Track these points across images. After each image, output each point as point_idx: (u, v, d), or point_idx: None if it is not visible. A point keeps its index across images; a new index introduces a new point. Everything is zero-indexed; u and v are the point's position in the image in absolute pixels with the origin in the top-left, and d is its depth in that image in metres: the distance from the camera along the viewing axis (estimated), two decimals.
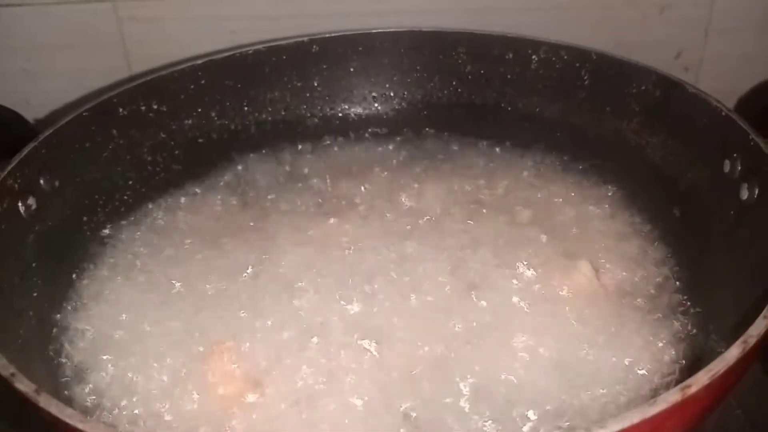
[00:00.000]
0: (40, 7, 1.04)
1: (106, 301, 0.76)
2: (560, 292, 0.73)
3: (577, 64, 0.92)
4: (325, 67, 0.99)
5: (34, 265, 0.73)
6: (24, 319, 0.69)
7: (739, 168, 0.73)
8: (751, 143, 0.71)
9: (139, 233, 0.84)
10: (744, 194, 0.72)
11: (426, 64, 1.00)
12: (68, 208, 0.80)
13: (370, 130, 1.01)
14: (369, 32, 0.98)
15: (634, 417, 0.46)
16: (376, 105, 1.01)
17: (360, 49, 0.98)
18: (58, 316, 0.74)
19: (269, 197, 0.90)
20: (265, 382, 0.66)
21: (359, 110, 1.01)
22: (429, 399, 0.65)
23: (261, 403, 0.65)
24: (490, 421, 0.63)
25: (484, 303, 0.73)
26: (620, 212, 0.85)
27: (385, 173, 0.93)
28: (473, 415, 0.64)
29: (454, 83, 1.00)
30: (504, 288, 0.74)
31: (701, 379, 0.49)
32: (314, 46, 0.97)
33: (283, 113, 0.99)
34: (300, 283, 0.75)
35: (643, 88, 0.87)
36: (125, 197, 0.87)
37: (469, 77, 0.99)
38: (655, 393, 0.64)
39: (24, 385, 0.52)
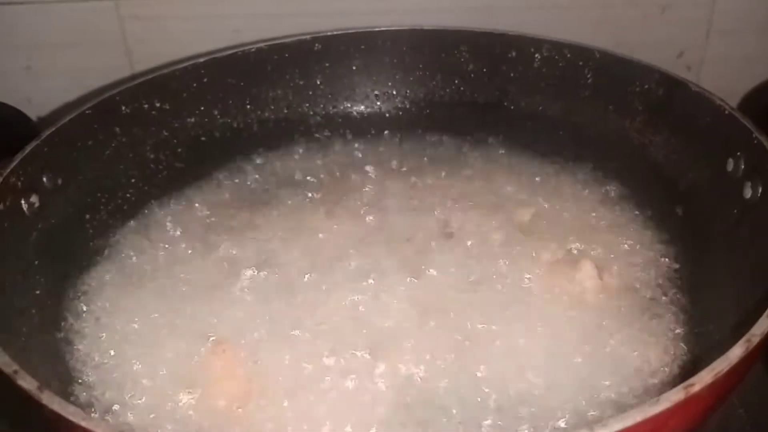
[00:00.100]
0: (41, 5, 1.04)
1: (109, 299, 0.76)
2: (563, 292, 0.73)
3: (580, 63, 0.92)
4: (327, 65, 0.99)
5: (36, 263, 0.73)
6: (26, 317, 0.69)
7: (743, 167, 0.73)
8: (755, 142, 0.71)
9: (141, 231, 0.84)
10: (747, 193, 0.71)
11: (428, 62, 0.99)
12: (71, 206, 0.80)
13: (372, 128, 1.00)
14: (371, 30, 0.98)
15: (637, 416, 0.46)
16: (378, 103, 1.01)
17: (362, 47, 0.98)
18: (61, 314, 0.74)
19: (272, 195, 0.90)
20: (266, 382, 0.66)
21: (361, 108, 1.01)
22: (433, 400, 0.65)
23: (262, 403, 0.65)
24: (489, 420, 0.63)
25: (486, 302, 0.73)
26: (623, 211, 0.85)
27: (387, 172, 0.93)
28: (472, 412, 0.64)
29: (456, 82, 0.99)
30: (506, 288, 0.74)
31: (704, 378, 0.48)
32: (317, 44, 0.97)
33: (285, 111, 0.99)
34: (302, 282, 0.75)
35: (646, 86, 0.87)
36: (128, 195, 0.87)
37: (472, 75, 0.99)
38: (657, 392, 0.64)
39: (27, 383, 0.52)
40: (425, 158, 0.95)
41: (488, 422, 0.63)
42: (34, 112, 1.10)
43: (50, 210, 0.77)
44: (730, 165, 0.74)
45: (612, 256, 0.78)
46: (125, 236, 0.84)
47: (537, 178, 0.90)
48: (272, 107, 0.98)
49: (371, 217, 0.84)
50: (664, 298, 0.74)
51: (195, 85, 0.92)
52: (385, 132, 1.00)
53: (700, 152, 0.80)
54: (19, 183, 0.73)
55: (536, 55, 0.94)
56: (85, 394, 0.66)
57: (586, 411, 0.63)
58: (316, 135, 0.99)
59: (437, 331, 0.70)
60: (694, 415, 0.51)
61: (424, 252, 0.79)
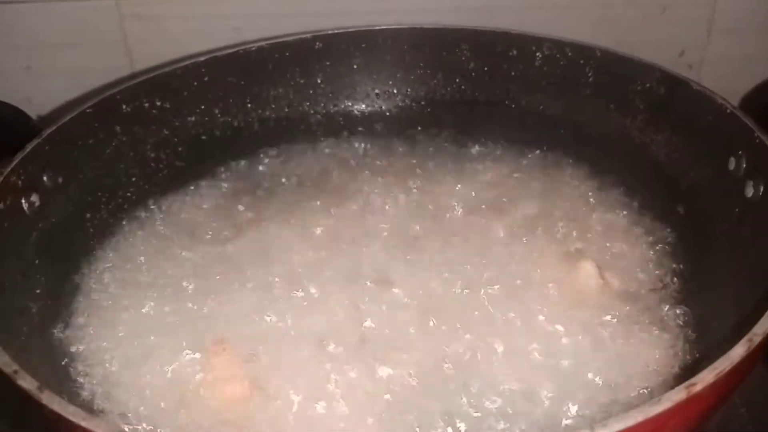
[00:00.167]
0: (42, 4, 1.04)
1: (109, 298, 0.76)
2: (564, 292, 0.73)
3: (582, 61, 0.92)
4: (328, 63, 0.99)
5: (37, 262, 0.73)
6: (26, 316, 0.69)
7: (744, 165, 0.73)
8: (757, 140, 0.71)
9: (142, 230, 0.84)
10: (749, 192, 0.71)
11: (429, 60, 0.99)
12: (71, 205, 0.80)
13: (373, 126, 1.00)
14: (372, 29, 0.98)
15: (638, 416, 0.46)
16: (379, 102, 1.01)
17: (363, 45, 0.98)
18: (61, 313, 0.74)
19: (272, 194, 0.90)
20: (266, 381, 0.66)
21: (362, 107, 1.01)
22: (432, 400, 0.65)
23: (261, 403, 0.65)
24: (489, 421, 0.63)
25: (486, 302, 0.73)
26: (624, 210, 0.84)
27: (389, 170, 0.93)
28: (473, 413, 0.64)
29: (457, 80, 0.99)
30: (507, 287, 0.74)
31: (706, 377, 0.48)
32: (317, 43, 0.97)
33: (286, 110, 0.99)
34: (303, 281, 0.75)
35: (648, 85, 0.86)
36: (128, 194, 0.87)
37: (473, 74, 0.98)
38: (658, 391, 0.64)
39: (27, 383, 0.51)
40: (426, 157, 0.95)
41: (487, 423, 0.63)
42: (34, 112, 1.10)
43: (51, 209, 0.76)
44: (732, 164, 0.74)
45: (613, 255, 0.78)
46: (126, 235, 0.84)
47: (538, 177, 0.90)
48: (273, 106, 0.98)
49: (372, 216, 0.84)
50: (665, 296, 0.74)
51: (196, 83, 0.92)
52: (386, 131, 1.00)
53: (701, 151, 0.80)
54: (20, 182, 0.73)
55: (537, 54, 0.94)
56: (85, 393, 0.66)
57: (586, 411, 0.63)
58: (317, 134, 0.99)
59: (437, 330, 0.70)
60: (696, 415, 0.51)
61: (424, 251, 0.79)
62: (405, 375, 0.67)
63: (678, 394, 0.47)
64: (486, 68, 0.98)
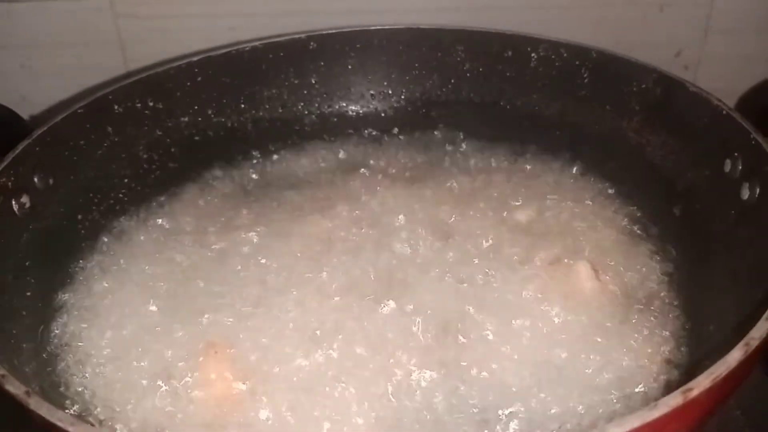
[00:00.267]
0: (37, 3, 1.04)
1: (101, 300, 0.75)
2: (560, 293, 0.73)
3: (577, 62, 0.92)
4: (322, 64, 0.98)
5: (27, 264, 0.73)
6: (17, 318, 0.69)
7: (740, 167, 0.72)
8: (753, 142, 0.71)
9: (134, 232, 0.84)
10: (745, 194, 0.71)
11: (424, 61, 0.99)
12: (63, 207, 0.80)
13: (368, 127, 1.00)
14: (367, 29, 0.98)
15: (635, 421, 0.46)
16: (374, 102, 1.00)
17: (358, 46, 0.98)
18: (52, 315, 0.73)
19: (267, 195, 0.89)
20: (260, 384, 0.66)
21: (357, 108, 1.00)
22: (429, 403, 0.65)
23: (255, 405, 0.64)
24: (486, 422, 0.63)
25: (482, 303, 0.72)
26: (620, 212, 0.84)
27: (383, 171, 0.92)
28: (461, 414, 0.64)
29: (452, 81, 0.99)
30: (502, 288, 0.74)
31: (703, 382, 0.48)
32: (312, 43, 0.96)
33: (280, 111, 0.98)
34: (296, 283, 0.75)
35: (644, 86, 0.86)
36: (120, 195, 0.87)
37: (468, 75, 0.98)
38: (655, 395, 0.64)
39: (14, 387, 0.51)
40: (421, 158, 0.95)
41: (484, 424, 0.63)
42: (28, 111, 1.09)
43: (42, 210, 0.76)
44: (728, 165, 0.74)
45: (609, 257, 0.78)
46: (118, 237, 0.83)
47: (533, 179, 0.90)
48: (267, 106, 0.98)
49: (366, 218, 0.84)
50: (661, 299, 0.74)
51: (189, 84, 0.92)
52: (381, 131, 0.99)
53: (697, 152, 0.80)
54: (10, 183, 0.72)
55: (533, 55, 0.94)
56: (75, 397, 0.66)
57: (582, 415, 0.63)
58: (311, 134, 0.98)
59: (434, 332, 0.70)
60: (693, 420, 0.51)
61: (420, 253, 0.78)
62: (403, 377, 0.66)
63: (675, 399, 0.47)
64: (481, 69, 0.97)
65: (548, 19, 1.05)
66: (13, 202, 0.73)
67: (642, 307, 0.73)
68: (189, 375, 0.67)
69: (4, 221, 0.71)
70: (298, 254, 0.79)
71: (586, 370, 0.66)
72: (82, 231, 0.82)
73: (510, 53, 0.95)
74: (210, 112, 0.94)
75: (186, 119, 0.93)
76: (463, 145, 0.96)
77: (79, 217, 0.82)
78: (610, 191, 0.87)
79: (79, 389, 0.67)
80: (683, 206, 0.80)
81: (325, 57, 0.98)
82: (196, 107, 0.93)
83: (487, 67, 0.97)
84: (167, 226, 0.85)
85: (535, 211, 0.84)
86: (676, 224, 0.80)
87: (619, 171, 0.88)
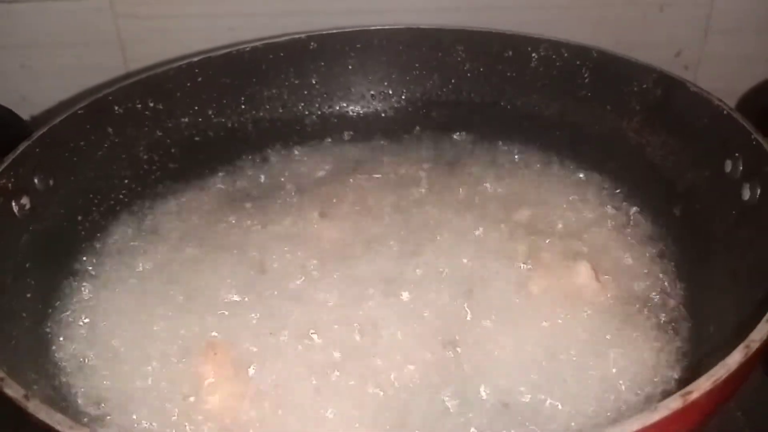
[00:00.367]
0: (37, 3, 1.04)
1: (101, 302, 0.75)
2: (559, 294, 0.73)
3: (578, 62, 0.91)
4: (322, 64, 0.98)
5: (27, 265, 0.73)
6: (17, 320, 0.68)
7: (741, 168, 0.72)
8: (753, 143, 0.71)
9: (134, 233, 0.84)
10: (746, 194, 0.71)
11: (425, 61, 0.99)
12: (63, 208, 0.79)
13: (368, 128, 1.00)
14: (367, 29, 0.98)
15: (635, 424, 0.46)
16: (374, 103, 1.00)
17: (358, 46, 0.98)
18: (52, 317, 0.73)
19: (267, 196, 0.89)
20: (260, 385, 0.66)
21: (357, 108, 1.00)
22: (429, 404, 0.65)
23: (255, 406, 0.65)
24: (485, 425, 0.63)
25: (481, 303, 0.72)
26: (620, 212, 0.84)
27: (383, 171, 0.92)
28: (460, 417, 0.63)
29: (452, 81, 0.99)
30: (501, 289, 0.74)
31: (703, 385, 0.48)
32: (312, 43, 0.96)
33: (280, 111, 0.98)
34: (296, 284, 0.75)
35: (644, 86, 0.86)
36: (120, 196, 0.86)
37: (468, 75, 0.98)
38: (655, 397, 0.64)
39: (13, 391, 0.51)
40: (421, 158, 0.95)
41: (484, 427, 0.63)
42: (28, 111, 1.09)
43: (42, 212, 0.76)
44: (729, 166, 0.74)
45: (609, 257, 0.78)
46: (118, 238, 0.83)
47: (533, 179, 0.89)
48: (267, 107, 0.97)
49: (366, 218, 0.84)
50: (661, 300, 0.74)
51: (189, 84, 0.92)
52: (381, 132, 0.99)
53: (698, 153, 0.80)
54: (10, 184, 0.72)
55: (533, 55, 0.93)
56: (75, 399, 0.66)
57: (581, 418, 0.62)
58: (312, 135, 0.98)
59: (433, 334, 0.70)
60: (693, 422, 0.51)
61: (419, 253, 0.78)
62: (402, 378, 0.66)
63: (675, 402, 0.47)
64: (482, 69, 0.97)
65: (548, 18, 1.05)
66: (13, 204, 0.73)
67: (642, 307, 0.73)
68: (189, 376, 0.67)
69: (4, 222, 0.71)
70: (299, 255, 0.79)
71: (586, 372, 0.66)
72: (83, 232, 0.81)
73: (510, 53, 0.95)
74: (210, 112, 0.94)
75: (186, 120, 0.93)
76: (464, 145, 0.96)
77: (80, 218, 0.82)
78: (611, 191, 0.87)
79: (79, 391, 0.67)
80: (683, 206, 0.80)
81: (325, 57, 0.97)
82: (196, 108, 0.93)
83: (487, 67, 0.97)
84: (168, 227, 0.85)
85: (535, 212, 0.84)
86: (677, 224, 0.80)
87: (620, 171, 0.88)
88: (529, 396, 0.65)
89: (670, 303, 0.73)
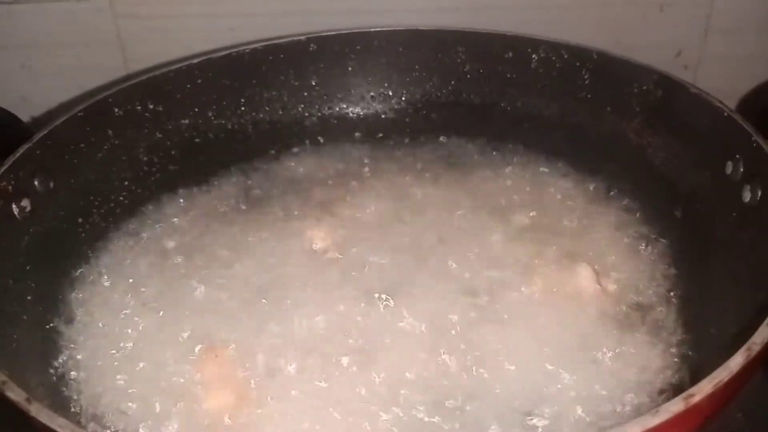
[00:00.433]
0: (37, 4, 1.04)
1: (102, 304, 0.75)
2: (561, 297, 0.73)
3: (578, 64, 0.91)
4: (322, 66, 0.98)
5: (28, 267, 0.73)
6: (17, 323, 0.68)
7: (742, 170, 0.72)
8: (754, 144, 0.71)
9: (134, 235, 0.84)
10: (746, 196, 0.71)
11: (424, 63, 0.99)
12: (63, 210, 0.79)
13: (368, 129, 1.00)
14: (367, 31, 0.97)
15: (636, 427, 0.46)
16: (374, 104, 1.00)
17: (358, 47, 0.98)
18: (53, 319, 0.73)
19: (267, 198, 0.89)
20: (259, 388, 0.66)
21: (357, 110, 1.00)
22: (431, 406, 0.64)
23: (254, 409, 0.65)
24: (486, 427, 0.63)
25: (482, 305, 0.72)
26: (621, 214, 0.84)
27: (384, 173, 0.92)
28: (456, 421, 0.63)
29: (453, 82, 0.99)
30: (503, 291, 0.74)
31: (704, 387, 0.48)
32: (312, 45, 0.96)
33: (280, 113, 0.98)
34: (297, 286, 0.75)
35: (645, 88, 0.86)
36: (121, 198, 0.86)
37: (468, 76, 0.98)
38: (656, 400, 0.64)
39: (15, 394, 0.51)
40: (421, 160, 0.95)
41: (485, 429, 0.63)
42: (28, 112, 1.09)
43: (42, 214, 0.76)
44: (729, 168, 0.74)
45: (610, 260, 0.78)
46: (118, 240, 0.83)
47: (534, 181, 0.89)
48: (267, 108, 0.97)
49: (367, 220, 0.84)
50: (663, 302, 0.74)
51: (189, 86, 0.91)
52: (381, 133, 0.99)
53: (698, 154, 0.80)
54: (10, 187, 0.72)
55: (533, 56, 0.93)
56: (76, 400, 0.66)
57: (583, 420, 0.62)
58: (312, 136, 0.98)
59: (434, 336, 0.70)
60: (694, 425, 0.51)
61: (421, 257, 0.78)
62: (403, 381, 0.66)
63: (676, 405, 0.47)
64: (482, 70, 0.97)
65: (548, 19, 1.05)
66: (14, 206, 0.72)
67: (643, 309, 0.73)
68: (189, 380, 0.67)
69: (5, 225, 0.71)
70: (299, 257, 0.78)
71: (587, 374, 0.66)
72: (83, 234, 0.81)
73: (510, 54, 0.95)
74: (210, 114, 0.94)
75: (186, 121, 0.93)
76: (464, 147, 0.96)
77: (80, 220, 0.81)
78: (611, 193, 0.87)
79: (79, 393, 0.67)
80: (684, 208, 0.80)
81: (325, 59, 0.97)
82: (196, 109, 0.93)
83: (487, 69, 0.97)
84: (168, 229, 0.85)
85: (535, 213, 0.84)
86: (677, 226, 0.80)
87: (620, 172, 0.88)
88: (529, 398, 0.64)
89: (670, 305, 0.73)
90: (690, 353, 0.68)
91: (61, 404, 0.65)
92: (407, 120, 1.00)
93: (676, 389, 0.64)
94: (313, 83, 0.98)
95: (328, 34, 0.97)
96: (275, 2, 1.06)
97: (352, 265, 0.77)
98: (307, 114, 0.99)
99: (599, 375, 0.66)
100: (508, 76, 0.96)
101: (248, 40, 0.96)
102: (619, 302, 0.73)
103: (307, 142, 0.98)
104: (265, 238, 0.82)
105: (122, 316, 0.73)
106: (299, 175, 0.93)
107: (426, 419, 0.63)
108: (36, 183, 0.76)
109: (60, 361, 0.70)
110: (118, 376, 0.68)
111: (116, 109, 0.86)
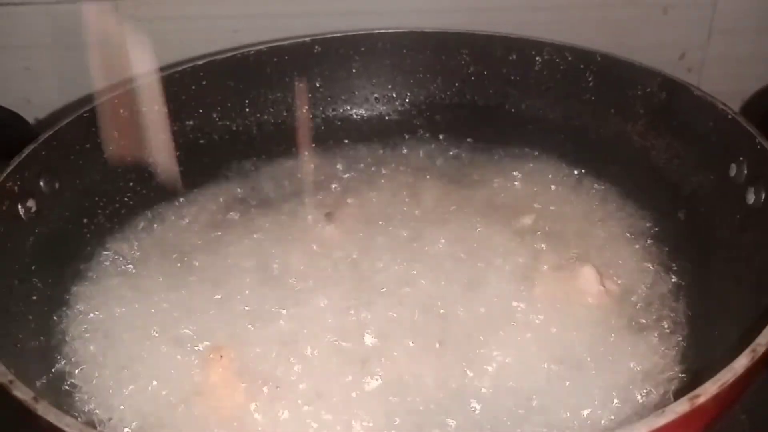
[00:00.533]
0: (41, 6, 1.04)
1: (106, 304, 0.75)
2: (564, 299, 0.72)
3: (582, 66, 0.91)
4: (326, 67, 0.98)
5: (33, 268, 0.73)
6: (22, 323, 0.69)
7: (746, 172, 0.72)
8: (758, 147, 0.71)
9: (139, 236, 0.84)
10: (750, 198, 0.71)
11: (428, 65, 0.99)
12: (68, 211, 0.80)
13: (372, 131, 1.00)
14: (371, 33, 0.98)
15: (642, 428, 0.46)
16: (378, 106, 1.00)
17: (362, 49, 0.98)
18: (58, 320, 0.73)
19: (271, 200, 0.89)
20: (266, 389, 0.66)
21: (361, 111, 1.00)
22: (432, 409, 0.65)
23: (258, 411, 0.65)
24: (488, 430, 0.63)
25: (486, 309, 0.72)
26: (624, 216, 0.84)
27: (387, 175, 0.92)
28: (471, 422, 0.63)
29: (456, 84, 0.99)
30: (507, 294, 0.73)
31: (710, 389, 0.48)
32: (316, 47, 0.96)
33: (284, 114, 0.98)
34: (300, 288, 0.75)
35: (649, 90, 0.86)
36: (125, 199, 0.86)
37: (472, 78, 0.98)
38: (660, 401, 0.64)
39: (22, 393, 0.51)
40: (425, 162, 0.95)
41: (487, 430, 0.63)
42: (33, 114, 1.09)
43: (47, 214, 0.76)
44: (733, 170, 0.74)
45: (614, 261, 0.78)
46: (123, 241, 0.83)
47: (537, 183, 0.89)
48: (271, 110, 0.98)
49: (371, 222, 0.84)
50: (666, 304, 0.74)
51: (194, 87, 0.92)
52: (385, 135, 0.99)
53: (702, 156, 0.80)
54: (16, 187, 0.72)
55: (537, 58, 0.94)
56: (80, 402, 0.66)
57: (588, 422, 0.62)
58: (316, 138, 0.98)
59: (437, 338, 0.70)
60: (699, 426, 0.51)
61: (424, 258, 0.78)
62: (405, 383, 0.66)
63: (682, 406, 0.47)
64: (485, 72, 0.97)
65: (550, 20, 1.05)
66: (20, 207, 0.73)
67: (647, 311, 0.73)
68: (195, 382, 0.67)
69: (11, 225, 0.71)
70: (303, 259, 0.78)
71: (591, 376, 0.66)
72: (88, 235, 0.82)
73: (514, 56, 0.95)
74: (215, 115, 0.94)
75: (191, 123, 0.93)
76: (467, 149, 0.96)
77: (85, 221, 0.82)
78: (615, 195, 0.87)
79: (83, 395, 0.67)
80: (688, 210, 0.80)
81: (329, 61, 0.97)
82: (200, 111, 0.93)
83: (491, 71, 0.97)
84: (173, 229, 0.85)
85: (539, 215, 0.84)
86: (681, 228, 0.80)
87: (624, 174, 0.88)
88: (533, 399, 0.65)
89: (674, 307, 0.73)
90: (694, 354, 0.68)
91: (65, 404, 0.65)
92: (411, 122, 1.00)
93: (680, 391, 0.64)
94: (318, 85, 0.98)
95: (333, 35, 0.97)
96: (279, 4, 1.06)
97: (357, 266, 0.77)
98: (311, 116, 0.99)
99: (601, 375, 0.66)
100: (512, 78, 0.96)
101: (252, 42, 0.96)
102: (622, 303, 0.73)
103: (311, 143, 0.98)
104: (269, 239, 0.82)
105: (127, 317, 0.73)
106: (304, 177, 0.93)
107: (426, 419, 0.64)
108: (41, 184, 0.76)
109: (64, 361, 0.70)
110: (122, 377, 0.68)
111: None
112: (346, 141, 0.98)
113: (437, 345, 0.69)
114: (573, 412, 0.63)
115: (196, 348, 0.69)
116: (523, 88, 0.96)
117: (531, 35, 0.94)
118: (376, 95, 1.00)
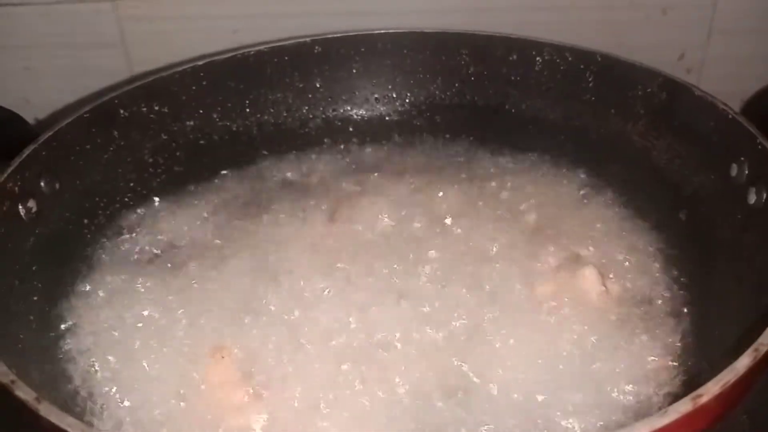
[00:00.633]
0: (40, 6, 1.04)
1: (107, 305, 0.75)
2: (565, 299, 0.72)
3: (582, 66, 0.91)
4: (327, 68, 0.98)
5: (34, 268, 0.73)
6: (23, 323, 0.69)
7: (747, 172, 0.72)
8: (759, 147, 0.71)
9: (140, 236, 0.84)
10: (752, 198, 0.71)
11: (429, 65, 0.99)
12: (69, 211, 0.80)
13: (372, 131, 1.00)
14: (371, 33, 0.98)
15: (644, 427, 0.46)
16: (378, 106, 1.00)
17: (362, 49, 0.98)
18: (58, 320, 0.73)
19: (271, 200, 0.89)
20: (267, 388, 0.66)
21: (362, 112, 1.00)
22: (434, 408, 0.65)
23: (261, 411, 0.65)
24: (489, 428, 0.63)
25: (487, 309, 0.72)
26: (626, 216, 0.84)
27: (388, 175, 0.92)
28: (473, 421, 0.63)
29: (456, 85, 0.99)
30: (508, 295, 0.73)
31: (712, 389, 0.48)
32: (316, 47, 0.96)
33: (284, 115, 0.98)
34: (301, 288, 0.75)
35: (649, 90, 0.86)
36: (126, 199, 0.87)
37: (472, 79, 0.98)
38: (662, 402, 0.64)
39: (24, 393, 0.51)
40: (425, 162, 0.95)
41: (490, 429, 0.63)
42: (32, 114, 1.09)
43: (48, 215, 0.76)
44: (734, 170, 0.74)
45: (615, 262, 0.78)
46: (124, 241, 0.83)
47: (538, 183, 0.89)
48: (272, 110, 0.98)
49: (372, 222, 0.83)
50: (667, 304, 0.74)
51: (194, 87, 0.92)
52: (385, 135, 0.99)
53: (703, 157, 0.80)
54: (17, 188, 0.72)
55: (537, 59, 0.94)
56: (82, 402, 0.66)
57: (590, 422, 0.62)
58: (316, 138, 0.98)
59: (438, 338, 0.70)
60: (702, 426, 0.51)
61: (425, 258, 0.78)
62: (407, 382, 0.66)
63: (684, 406, 0.47)
64: (486, 73, 0.97)
65: (550, 20, 1.05)
66: (20, 207, 0.73)
67: (648, 312, 0.73)
68: (197, 379, 0.67)
69: (11, 226, 0.71)
70: (304, 259, 0.78)
71: (593, 376, 0.66)
72: (89, 235, 0.82)
73: (514, 57, 0.95)
74: (215, 116, 0.94)
75: (191, 123, 0.93)
76: (468, 149, 0.96)
77: (85, 221, 0.82)
78: (616, 195, 0.86)
79: (85, 394, 0.67)
80: (689, 211, 0.80)
81: (329, 61, 0.98)
82: (201, 111, 0.93)
83: (491, 71, 0.97)
84: (173, 230, 0.85)
85: (540, 216, 0.84)
86: (682, 229, 0.80)
87: (625, 175, 0.88)
88: (536, 400, 0.65)
89: (675, 307, 0.74)
90: (695, 355, 0.68)
91: (65, 404, 0.65)
92: (411, 122, 1.00)
93: (681, 391, 0.64)
94: (318, 85, 0.98)
95: (333, 36, 0.97)
96: (279, 4, 1.06)
97: (359, 267, 0.77)
98: (311, 116, 0.99)
99: (605, 376, 0.66)
100: (512, 78, 0.96)
101: (252, 42, 0.97)
102: (623, 304, 0.73)
103: (311, 144, 0.98)
104: (269, 239, 0.81)
105: (128, 316, 0.73)
106: (304, 177, 0.93)
107: (427, 419, 0.64)
108: (42, 184, 0.76)
109: (66, 361, 0.70)
110: (124, 377, 0.68)
111: (122, 111, 0.86)
112: (346, 141, 0.99)
113: (438, 345, 0.69)
114: (575, 411, 0.63)
115: (198, 347, 0.69)
116: (524, 88, 0.96)
117: (531, 35, 0.94)
118: (376, 95, 1.00)
